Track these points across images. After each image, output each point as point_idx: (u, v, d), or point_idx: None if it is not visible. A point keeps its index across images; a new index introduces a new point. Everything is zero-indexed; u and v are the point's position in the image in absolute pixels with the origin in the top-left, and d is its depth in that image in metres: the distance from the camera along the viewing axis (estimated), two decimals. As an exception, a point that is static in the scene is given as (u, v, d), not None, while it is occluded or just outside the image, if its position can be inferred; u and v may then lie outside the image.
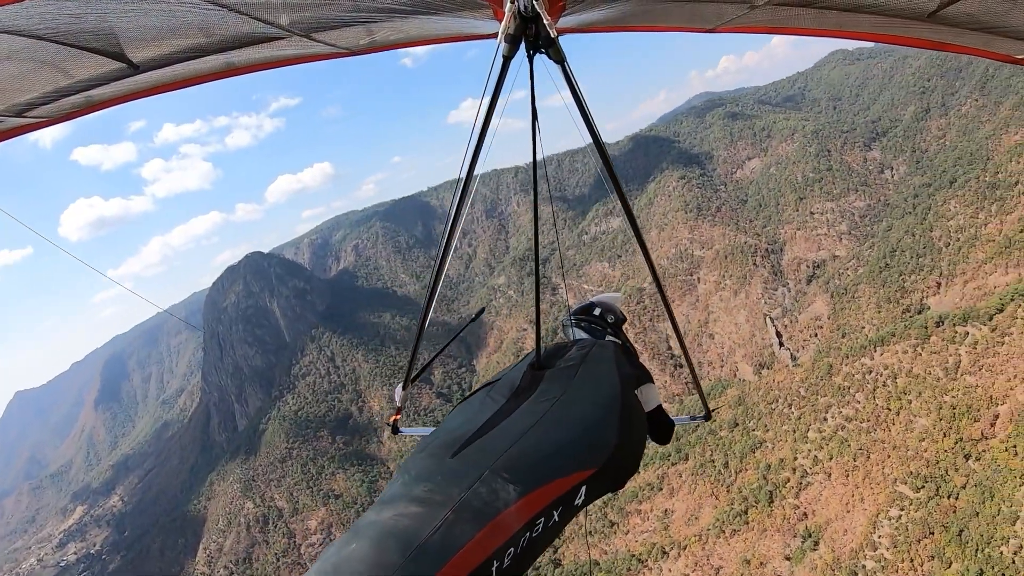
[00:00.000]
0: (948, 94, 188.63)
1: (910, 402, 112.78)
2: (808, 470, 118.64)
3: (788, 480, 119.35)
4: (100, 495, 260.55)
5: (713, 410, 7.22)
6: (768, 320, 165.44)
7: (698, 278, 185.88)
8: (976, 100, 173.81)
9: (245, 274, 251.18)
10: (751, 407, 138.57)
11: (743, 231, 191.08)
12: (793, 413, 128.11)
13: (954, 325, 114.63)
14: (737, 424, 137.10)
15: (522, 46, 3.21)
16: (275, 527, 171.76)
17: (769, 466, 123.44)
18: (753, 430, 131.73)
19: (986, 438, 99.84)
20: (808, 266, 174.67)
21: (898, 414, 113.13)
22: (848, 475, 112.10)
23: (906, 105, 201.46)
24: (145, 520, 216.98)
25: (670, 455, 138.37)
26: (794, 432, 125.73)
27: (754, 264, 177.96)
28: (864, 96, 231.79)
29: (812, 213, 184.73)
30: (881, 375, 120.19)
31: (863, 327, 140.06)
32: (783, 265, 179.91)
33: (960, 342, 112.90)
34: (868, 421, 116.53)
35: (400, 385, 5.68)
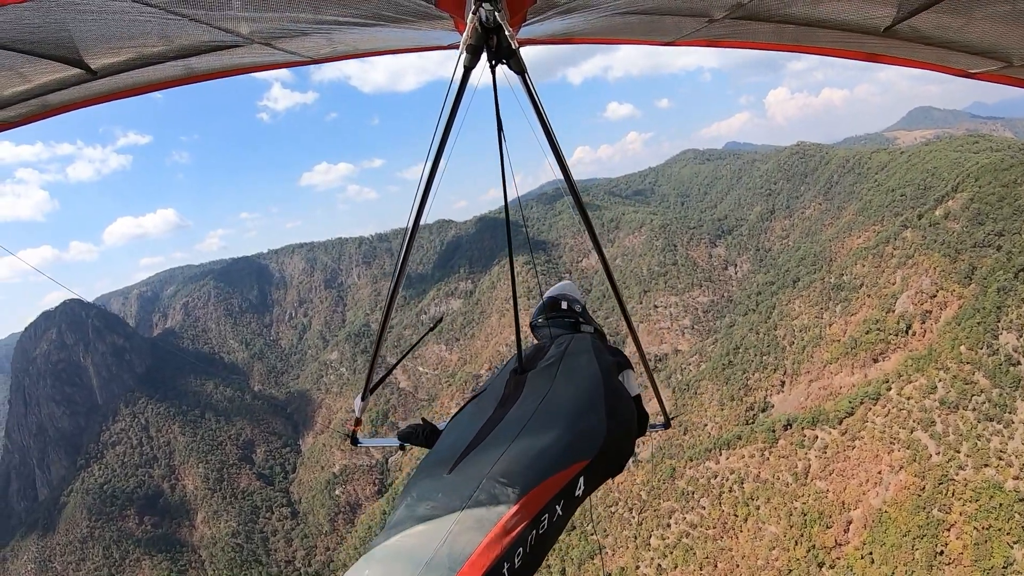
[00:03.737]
0: (793, 197, 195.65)
1: (758, 508, 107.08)
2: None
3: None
4: None
5: (673, 417, 7.18)
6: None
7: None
8: (820, 204, 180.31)
9: (60, 323, 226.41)
10: (589, 510, 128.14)
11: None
12: (634, 518, 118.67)
13: (803, 428, 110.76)
14: (574, 527, 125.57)
15: (483, 57, 3.28)
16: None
17: (610, 575, 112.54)
18: (591, 535, 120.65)
19: (840, 545, 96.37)
20: (650, 359, 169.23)
21: (746, 521, 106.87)
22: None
23: (752, 205, 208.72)
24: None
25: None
26: (636, 538, 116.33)
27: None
28: (712, 194, 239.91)
29: (656, 306, 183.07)
30: (727, 480, 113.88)
31: (706, 424, 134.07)
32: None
33: (809, 446, 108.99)
34: (714, 528, 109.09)
35: (359, 395, 5.59)
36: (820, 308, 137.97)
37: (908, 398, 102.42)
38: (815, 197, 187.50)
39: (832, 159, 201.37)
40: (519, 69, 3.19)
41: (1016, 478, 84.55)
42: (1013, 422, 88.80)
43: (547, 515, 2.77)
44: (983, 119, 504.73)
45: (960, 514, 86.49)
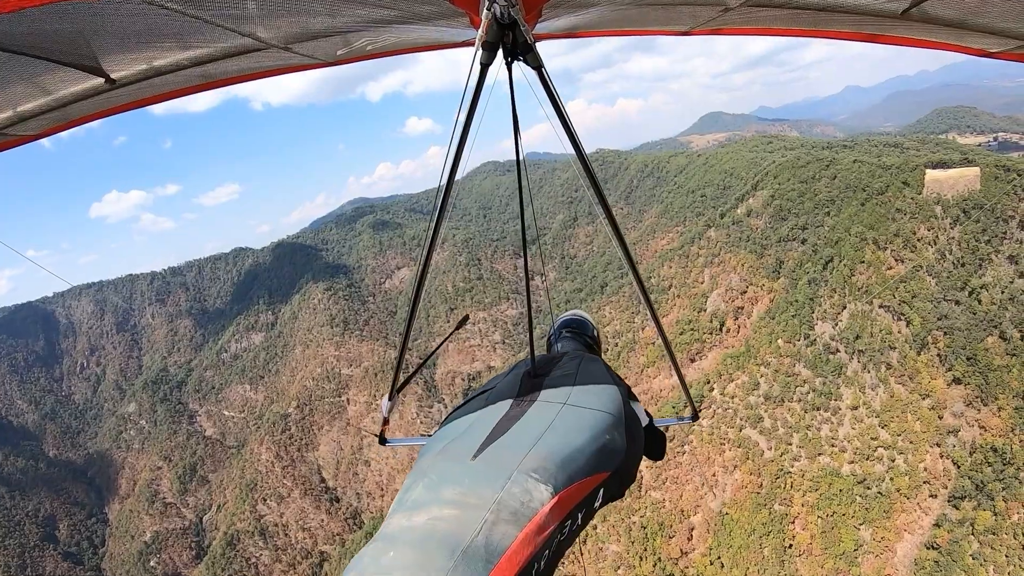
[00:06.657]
0: (595, 203, 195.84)
1: (595, 528, 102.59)
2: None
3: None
4: None
5: (699, 408, 7.11)
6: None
7: (348, 399, 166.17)
8: (622, 209, 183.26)
9: None
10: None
11: (393, 346, 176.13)
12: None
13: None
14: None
15: (499, 54, 3.31)
16: None
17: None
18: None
19: (686, 553, 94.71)
20: (463, 379, 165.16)
21: (585, 543, 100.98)
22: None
23: (555, 214, 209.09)
24: None
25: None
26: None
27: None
28: (514, 205, 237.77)
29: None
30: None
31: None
32: (436, 380, 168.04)
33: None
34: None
35: (386, 396, 5.53)
36: (631, 312, 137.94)
37: (732, 397, 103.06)
38: (617, 202, 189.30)
39: (631, 164, 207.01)
40: (536, 64, 3.21)
41: (851, 462, 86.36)
42: (840, 408, 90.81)
43: (571, 521, 2.78)
44: (769, 121, 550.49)
45: (802, 505, 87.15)
